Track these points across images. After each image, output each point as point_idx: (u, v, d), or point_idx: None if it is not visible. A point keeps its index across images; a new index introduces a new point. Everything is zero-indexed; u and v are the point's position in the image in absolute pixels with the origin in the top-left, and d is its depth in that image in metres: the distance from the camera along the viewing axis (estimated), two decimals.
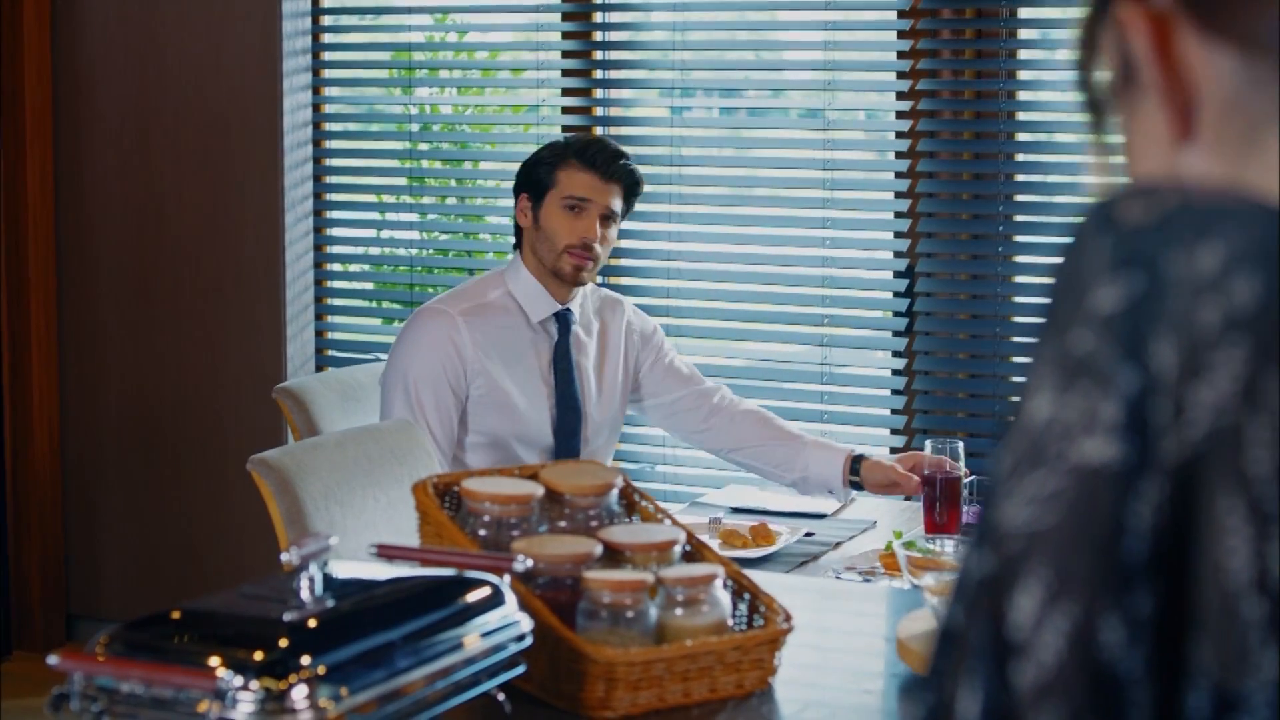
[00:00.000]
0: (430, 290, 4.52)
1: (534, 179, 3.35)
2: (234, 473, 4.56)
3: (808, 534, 3.17)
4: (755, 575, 2.72)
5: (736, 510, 3.37)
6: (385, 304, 4.69)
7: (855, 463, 3.36)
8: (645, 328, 3.56)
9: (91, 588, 4.84)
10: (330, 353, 4.67)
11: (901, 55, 4.03)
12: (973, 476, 3.12)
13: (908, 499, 3.42)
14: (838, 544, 3.12)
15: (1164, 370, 0.61)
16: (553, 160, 3.34)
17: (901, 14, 4.02)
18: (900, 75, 4.03)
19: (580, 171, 3.31)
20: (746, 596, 1.97)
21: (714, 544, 3.07)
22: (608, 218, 3.34)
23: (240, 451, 4.59)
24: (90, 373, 4.79)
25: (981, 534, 0.65)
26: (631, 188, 3.37)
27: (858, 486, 3.36)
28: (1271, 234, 0.62)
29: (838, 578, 2.77)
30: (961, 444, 3.19)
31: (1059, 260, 0.66)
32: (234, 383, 4.62)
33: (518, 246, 3.41)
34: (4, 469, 4.76)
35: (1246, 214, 0.64)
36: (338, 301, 4.70)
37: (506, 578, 1.76)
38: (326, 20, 4.64)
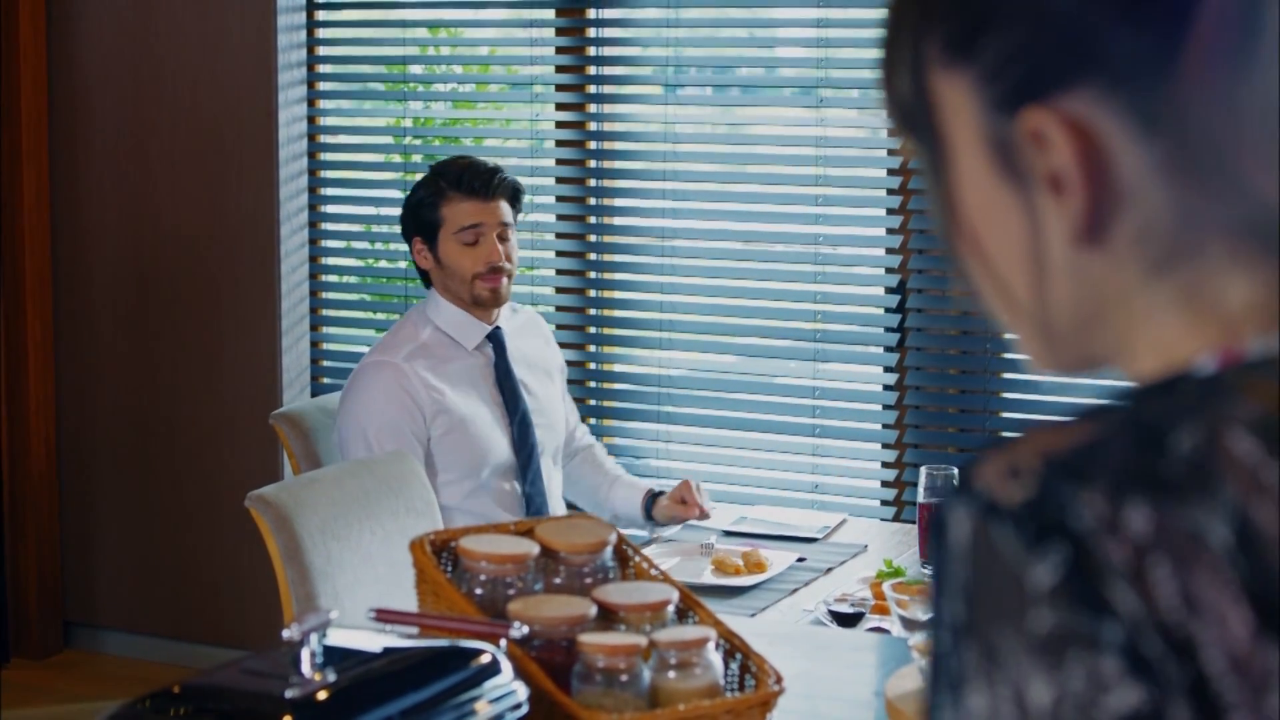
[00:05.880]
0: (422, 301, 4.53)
1: (421, 221, 3.38)
2: (228, 483, 4.59)
3: (800, 559, 3.20)
4: (746, 620, 2.76)
5: (729, 534, 3.40)
6: (380, 315, 4.71)
7: (652, 499, 3.50)
8: (559, 359, 3.65)
9: (88, 595, 4.88)
10: (325, 363, 4.69)
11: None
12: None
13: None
14: (829, 569, 3.16)
15: (1133, 610, 0.65)
16: (433, 199, 3.37)
17: None
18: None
19: (463, 201, 3.35)
20: (738, 656, 2.00)
21: (707, 569, 3.11)
22: (503, 232, 3.39)
23: (235, 462, 4.62)
24: (86, 383, 4.81)
25: None
26: (515, 194, 3.43)
27: (654, 520, 3.50)
28: (1134, 452, 0.67)
29: (829, 610, 2.80)
30: (956, 470, 3.24)
31: (956, 565, 0.68)
32: (229, 394, 4.64)
33: (429, 285, 3.45)
34: (1, 478, 4.78)
35: (1104, 445, 0.68)
36: (333, 313, 4.72)
37: (503, 643, 1.80)
38: (321, 33, 4.66)
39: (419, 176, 4.58)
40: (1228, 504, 0.65)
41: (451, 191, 3.35)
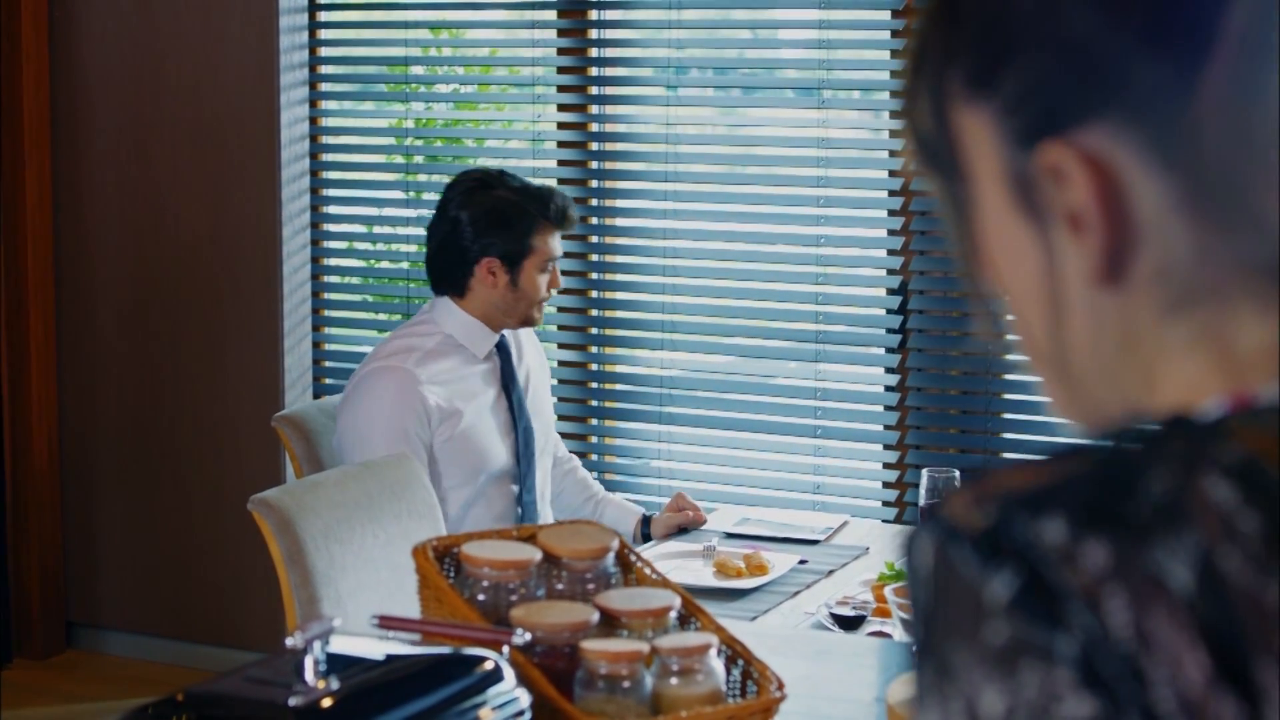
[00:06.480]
0: (425, 302, 4.54)
1: (507, 245, 3.36)
2: (231, 483, 4.60)
3: (801, 561, 3.21)
4: (748, 623, 2.76)
5: (730, 536, 3.40)
6: (382, 316, 4.72)
7: (646, 522, 3.54)
8: (544, 356, 3.68)
9: (90, 596, 4.88)
10: (327, 365, 4.70)
11: (895, 74, 4.05)
12: None
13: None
14: (830, 572, 3.16)
15: (1088, 627, 0.65)
16: (528, 226, 3.36)
17: (895, 25, 4.05)
18: (894, 94, 4.06)
19: (554, 231, 3.40)
20: (740, 662, 2.01)
21: (708, 571, 3.12)
22: None
23: (237, 463, 4.63)
24: (89, 383, 4.82)
25: None
26: None
27: (649, 538, 3.52)
28: (1100, 491, 0.67)
29: (831, 613, 2.81)
30: (957, 473, 3.23)
31: (919, 591, 0.69)
32: (232, 394, 4.65)
33: (447, 293, 3.42)
34: (4, 478, 4.79)
35: (1073, 481, 0.68)
36: (335, 314, 4.73)
37: (506, 650, 1.80)
38: (323, 34, 4.66)
39: (422, 178, 4.62)
40: (1192, 548, 0.65)
41: (547, 221, 3.38)
